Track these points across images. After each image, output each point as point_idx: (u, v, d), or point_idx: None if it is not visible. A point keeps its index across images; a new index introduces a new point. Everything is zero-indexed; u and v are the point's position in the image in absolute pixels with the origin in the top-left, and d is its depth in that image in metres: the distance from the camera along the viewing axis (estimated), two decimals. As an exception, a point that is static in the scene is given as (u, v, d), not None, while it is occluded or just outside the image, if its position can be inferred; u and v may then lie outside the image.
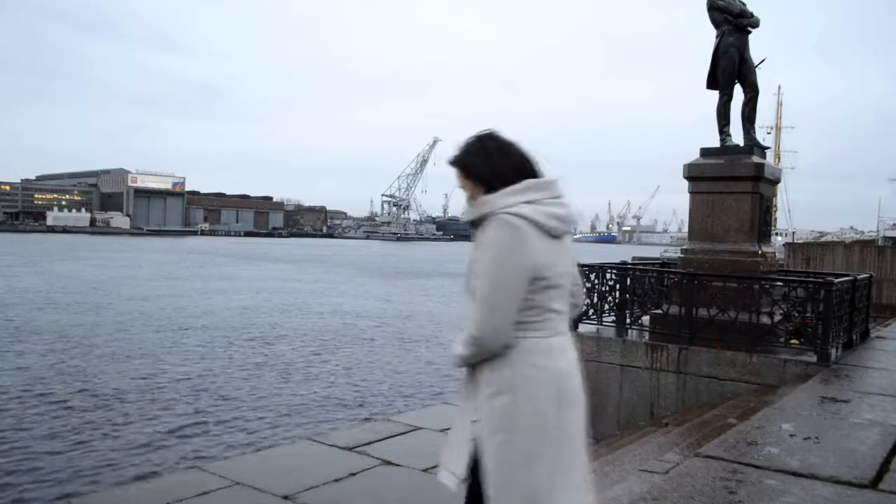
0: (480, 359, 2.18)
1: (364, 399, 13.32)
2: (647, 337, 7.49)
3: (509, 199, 2.13)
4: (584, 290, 2.47)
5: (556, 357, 2.17)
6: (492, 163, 2.21)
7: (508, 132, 2.28)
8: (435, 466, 6.10)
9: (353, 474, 5.52)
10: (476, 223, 2.18)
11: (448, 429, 7.95)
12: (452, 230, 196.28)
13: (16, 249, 69.57)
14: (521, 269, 2.09)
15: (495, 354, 2.16)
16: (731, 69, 7.97)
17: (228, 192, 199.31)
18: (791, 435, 4.04)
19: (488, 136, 2.25)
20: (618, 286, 7.68)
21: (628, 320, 7.63)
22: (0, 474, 8.64)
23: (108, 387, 13.46)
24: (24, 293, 29.90)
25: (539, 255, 2.11)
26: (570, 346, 2.26)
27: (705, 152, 8.01)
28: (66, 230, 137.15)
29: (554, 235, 2.16)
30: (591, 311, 7.67)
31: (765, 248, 7.77)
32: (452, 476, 2.22)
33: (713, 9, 8.06)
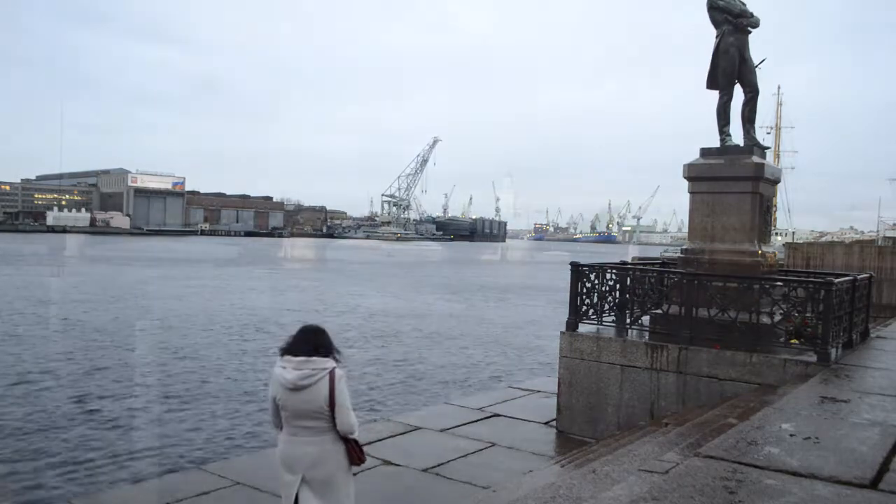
0: None
1: (366, 399, 13.31)
2: (647, 337, 7.49)
3: (278, 361, 3.94)
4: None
5: (285, 445, 3.94)
6: (288, 340, 4.04)
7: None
8: (435, 466, 6.13)
9: (354, 474, 5.51)
10: None
11: (448, 429, 7.96)
12: (452, 230, 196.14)
13: (34, 249, 69.45)
14: (270, 396, 4.00)
15: None
16: (731, 69, 7.97)
17: (228, 192, 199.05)
18: (791, 435, 4.04)
19: (303, 327, 4.04)
20: (618, 286, 7.67)
21: (628, 320, 7.64)
22: (1, 473, 8.63)
23: (119, 386, 13.46)
24: (73, 293, 30.01)
25: (276, 392, 3.91)
26: (304, 443, 3.86)
27: (705, 152, 8.01)
28: (66, 230, 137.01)
29: (288, 388, 3.83)
30: (591, 311, 7.68)
31: (765, 248, 7.77)
32: None
33: (713, 9, 8.06)
